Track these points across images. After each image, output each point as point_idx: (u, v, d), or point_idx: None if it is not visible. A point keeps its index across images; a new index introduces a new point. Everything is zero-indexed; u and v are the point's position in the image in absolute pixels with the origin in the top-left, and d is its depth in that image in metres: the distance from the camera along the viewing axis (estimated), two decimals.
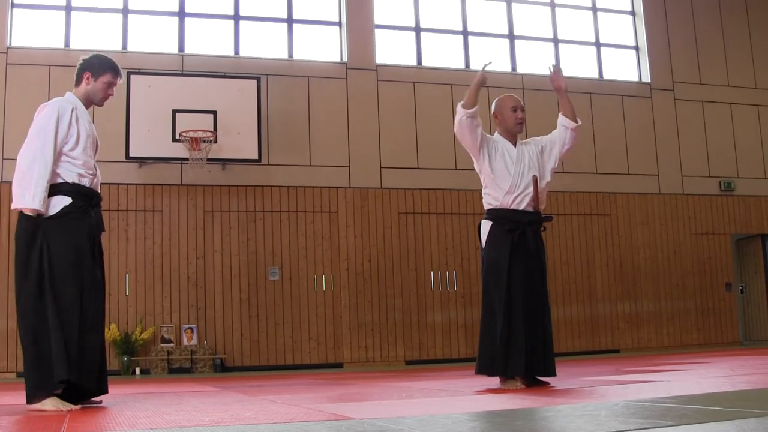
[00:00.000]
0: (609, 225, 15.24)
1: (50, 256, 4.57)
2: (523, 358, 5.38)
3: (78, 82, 4.96)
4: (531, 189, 5.66)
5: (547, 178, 5.82)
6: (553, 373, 5.56)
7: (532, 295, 5.56)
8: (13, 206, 4.64)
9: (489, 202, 5.78)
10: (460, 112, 5.67)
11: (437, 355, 13.77)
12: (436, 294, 14.01)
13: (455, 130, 5.77)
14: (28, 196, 4.56)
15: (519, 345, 5.40)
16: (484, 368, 5.60)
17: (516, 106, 5.81)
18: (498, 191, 5.70)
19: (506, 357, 5.40)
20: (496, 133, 5.88)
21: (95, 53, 5.11)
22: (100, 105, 5.05)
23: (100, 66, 4.96)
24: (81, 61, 4.97)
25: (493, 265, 5.61)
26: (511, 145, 5.77)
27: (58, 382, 4.45)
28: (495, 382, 5.64)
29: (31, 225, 4.59)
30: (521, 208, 5.67)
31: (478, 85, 5.69)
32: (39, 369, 4.46)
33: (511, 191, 5.66)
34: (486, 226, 5.75)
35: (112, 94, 5.04)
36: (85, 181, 4.79)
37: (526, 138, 6.00)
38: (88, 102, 4.98)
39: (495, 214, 5.72)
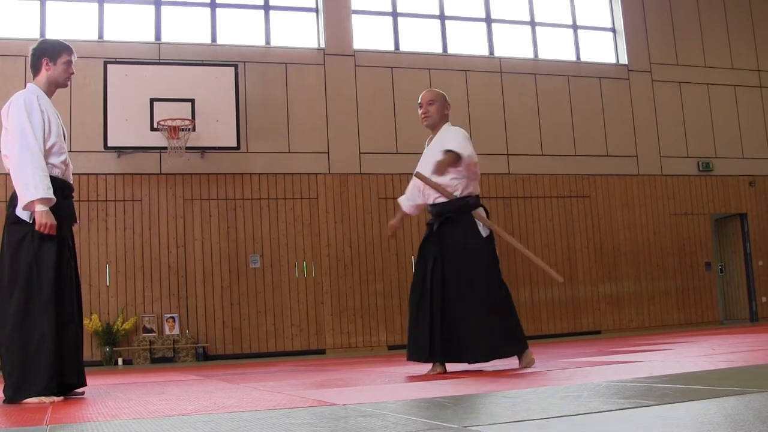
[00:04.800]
0: (589, 207, 15.29)
1: (35, 257, 4.55)
2: (425, 345, 5.42)
3: (37, 71, 4.89)
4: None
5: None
6: (473, 360, 5.47)
7: (448, 284, 5.52)
8: (22, 206, 4.55)
9: None
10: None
11: None
12: None
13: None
14: (31, 188, 4.51)
15: (418, 333, 5.49)
16: (410, 354, 5.66)
17: (420, 102, 5.95)
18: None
19: (429, 343, 5.43)
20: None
21: (41, 39, 5.06)
22: (65, 86, 5.01)
23: (54, 49, 4.91)
24: (32, 51, 4.90)
25: (417, 259, 5.82)
26: (428, 141, 5.92)
27: (47, 385, 4.42)
28: (464, 366, 5.73)
29: (20, 230, 4.59)
30: (430, 201, 5.79)
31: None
32: (26, 371, 4.42)
33: (420, 187, 5.81)
34: None
35: (73, 72, 5.00)
36: (57, 172, 4.74)
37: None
38: (53, 87, 4.93)
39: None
